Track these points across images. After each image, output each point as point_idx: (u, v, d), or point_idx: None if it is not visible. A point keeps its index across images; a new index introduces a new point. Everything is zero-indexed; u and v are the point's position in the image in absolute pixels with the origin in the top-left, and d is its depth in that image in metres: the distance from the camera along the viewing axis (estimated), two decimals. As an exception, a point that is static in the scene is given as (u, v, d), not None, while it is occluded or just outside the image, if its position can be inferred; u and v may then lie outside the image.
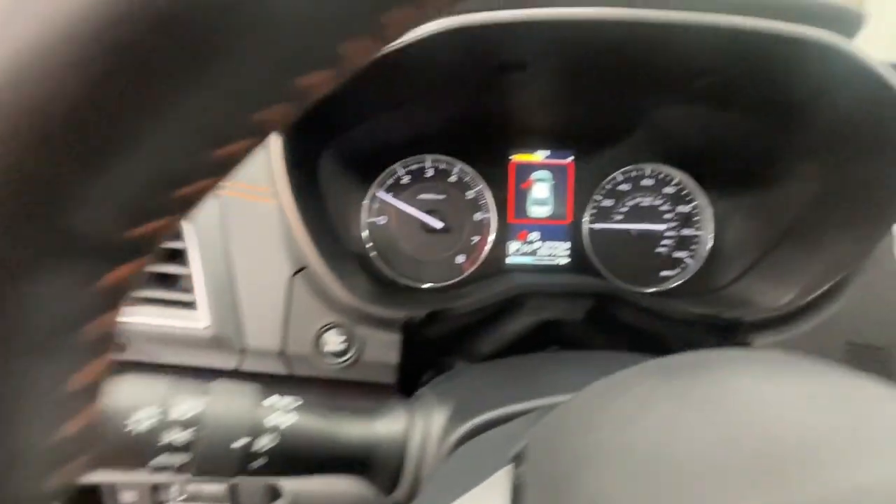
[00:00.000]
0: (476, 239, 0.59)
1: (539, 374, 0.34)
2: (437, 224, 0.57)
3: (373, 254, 0.58)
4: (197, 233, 0.46)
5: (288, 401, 0.26)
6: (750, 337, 0.46)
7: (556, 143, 0.60)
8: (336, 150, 0.51)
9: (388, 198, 0.58)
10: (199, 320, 0.43)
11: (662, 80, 0.44)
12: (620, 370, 0.20)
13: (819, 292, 0.43)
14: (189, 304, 0.44)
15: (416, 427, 0.27)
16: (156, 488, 0.49)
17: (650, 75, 0.43)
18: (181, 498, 0.48)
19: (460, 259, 0.59)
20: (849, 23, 0.35)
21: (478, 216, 0.59)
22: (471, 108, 0.53)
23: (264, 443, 0.23)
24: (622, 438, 0.16)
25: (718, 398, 0.16)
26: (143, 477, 0.46)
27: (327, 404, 0.27)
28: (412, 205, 0.58)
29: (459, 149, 0.58)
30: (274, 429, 0.24)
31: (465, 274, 0.59)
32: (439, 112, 0.53)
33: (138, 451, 0.21)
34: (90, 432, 0.11)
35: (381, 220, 0.58)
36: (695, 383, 0.17)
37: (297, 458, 0.24)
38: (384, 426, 0.27)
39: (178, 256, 0.46)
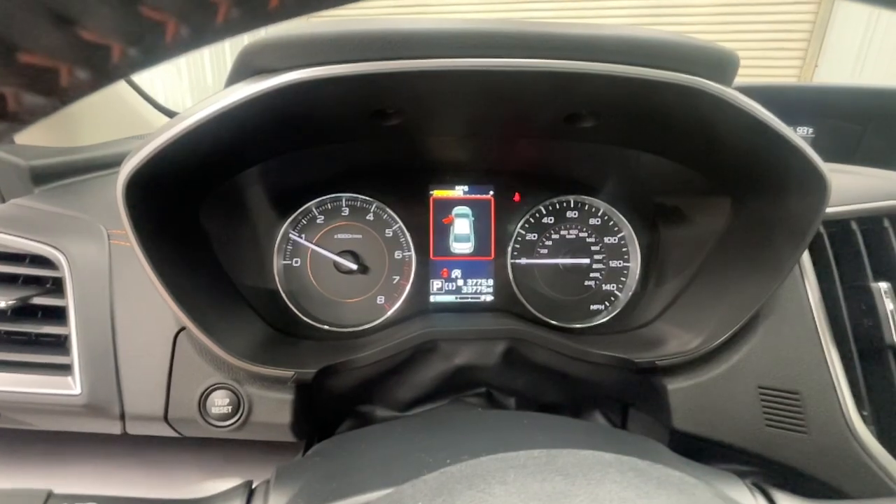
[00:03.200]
0: (396, 278, 0.57)
1: (412, 446, 0.32)
2: (352, 266, 0.55)
3: (284, 297, 0.55)
4: (81, 287, 0.43)
5: None
6: (664, 380, 0.45)
7: (475, 178, 0.58)
8: (232, 195, 0.48)
9: (300, 239, 0.55)
10: (71, 388, 0.40)
11: (550, 118, 0.43)
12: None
13: (726, 336, 0.42)
14: (64, 368, 0.41)
15: None
16: None
17: (538, 114, 0.42)
18: None
19: (380, 300, 0.57)
20: (721, 68, 0.34)
21: (398, 254, 0.57)
22: (379, 148, 0.51)
23: None
24: None
25: None
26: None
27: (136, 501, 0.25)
28: (327, 245, 0.56)
29: (376, 186, 0.56)
30: None
31: (388, 314, 0.57)
32: (348, 154, 0.51)
33: None
34: None
35: (295, 262, 0.56)
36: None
37: None
38: None
39: (54, 315, 0.43)
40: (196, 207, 0.45)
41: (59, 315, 0.43)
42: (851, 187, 0.44)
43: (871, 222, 0.42)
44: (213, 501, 0.26)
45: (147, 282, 0.41)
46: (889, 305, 0.39)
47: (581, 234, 0.59)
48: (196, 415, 0.41)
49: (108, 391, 0.41)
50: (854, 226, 0.42)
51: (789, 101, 0.99)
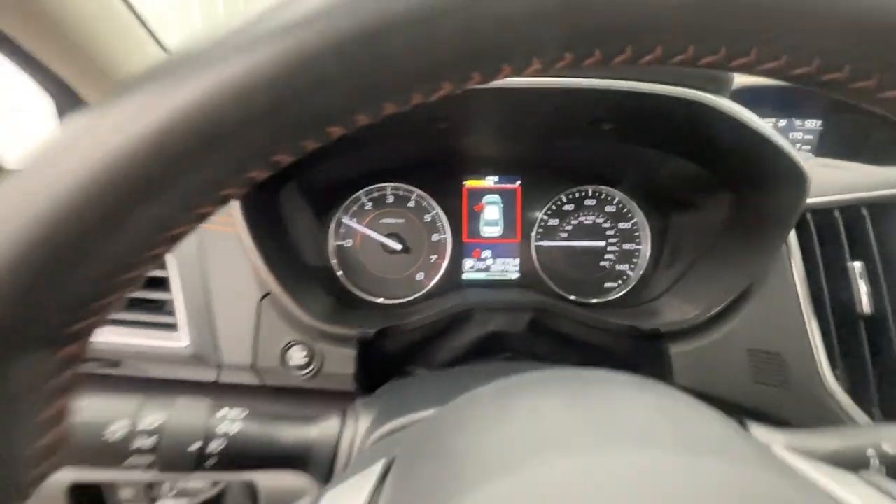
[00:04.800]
0: (434, 258, 0.66)
1: (460, 384, 0.40)
2: (397, 246, 0.64)
3: (339, 273, 0.64)
4: (178, 262, 0.52)
5: (236, 412, 0.32)
6: (668, 345, 0.52)
7: (504, 169, 0.66)
8: (297, 185, 0.57)
9: (353, 223, 0.64)
10: (180, 341, 0.50)
11: (576, 124, 0.50)
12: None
13: (721, 307, 0.49)
14: (171, 327, 0.51)
15: (347, 430, 0.33)
16: (151, 486, 0.56)
17: (565, 121, 0.50)
18: (172, 494, 0.55)
19: (420, 276, 0.65)
20: (719, 82, 0.41)
21: (435, 237, 0.66)
22: (422, 145, 0.59)
23: (215, 446, 0.29)
24: (455, 436, 0.22)
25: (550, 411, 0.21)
26: (134, 476, 0.53)
27: (273, 413, 0.33)
28: (375, 229, 0.64)
29: (417, 177, 0.65)
30: (223, 434, 0.30)
31: (426, 290, 0.65)
32: (394, 150, 0.59)
33: (112, 455, 0.27)
34: (61, 443, 0.17)
35: (347, 243, 0.65)
36: (530, 399, 0.23)
37: (242, 457, 0.30)
38: (319, 430, 0.33)
39: (161, 284, 0.53)
40: (278, 193, 0.54)
41: (163, 285, 0.52)
42: (836, 181, 0.50)
43: (851, 211, 0.48)
44: (317, 420, 0.35)
45: (231, 258, 0.50)
46: (861, 282, 0.46)
47: (598, 220, 0.66)
48: (278, 365, 0.50)
49: (208, 345, 0.50)
50: (836, 214, 0.49)
51: (799, 95, 1.03)
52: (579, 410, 0.21)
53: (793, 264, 0.49)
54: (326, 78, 0.13)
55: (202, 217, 0.15)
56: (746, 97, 0.46)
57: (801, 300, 0.48)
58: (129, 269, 0.15)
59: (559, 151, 0.62)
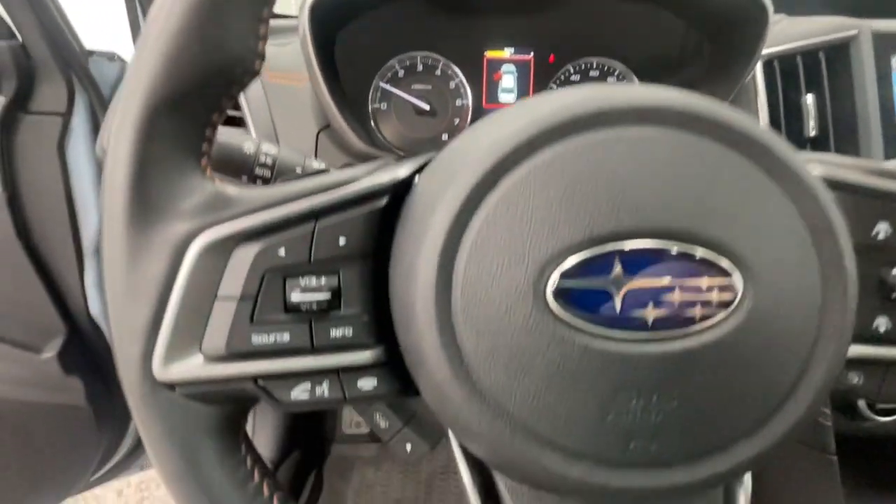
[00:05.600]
0: (457, 121, 0.76)
1: None
2: (426, 106, 0.74)
3: (378, 133, 0.76)
4: (249, 106, 0.64)
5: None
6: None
7: (520, 42, 0.75)
8: (343, 44, 0.67)
9: (388, 87, 0.75)
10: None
11: None
12: None
13: None
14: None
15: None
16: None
17: None
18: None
19: (445, 137, 0.77)
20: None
21: (458, 102, 0.76)
22: (450, 17, 0.69)
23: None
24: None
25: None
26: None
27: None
28: (407, 93, 0.75)
29: (444, 48, 0.74)
30: (318, 168, 0.42)
31: (449, 149, 0.77)
32: (424, 21, 0.69)
33: (245, 162, 0.40)
34: None
35: (383, 106, 0.75)
36: None
37: None
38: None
39: (238, 122, 0.64)
40: (332, 48, 0.65)
41: (241, 124, 0.64)
42: (802, 31, 0.59)
43: (810, 55, 0.58)
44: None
45: (292, 103, 0.62)
46: (811, 110, 0.56)
47: (600, 90, 0.76)
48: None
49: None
50: (798, 59, 0.59)
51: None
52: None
53: (758, 102, 0.59)
54: None
55: None
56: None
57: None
58: None
59: (568, 25, 0.71)
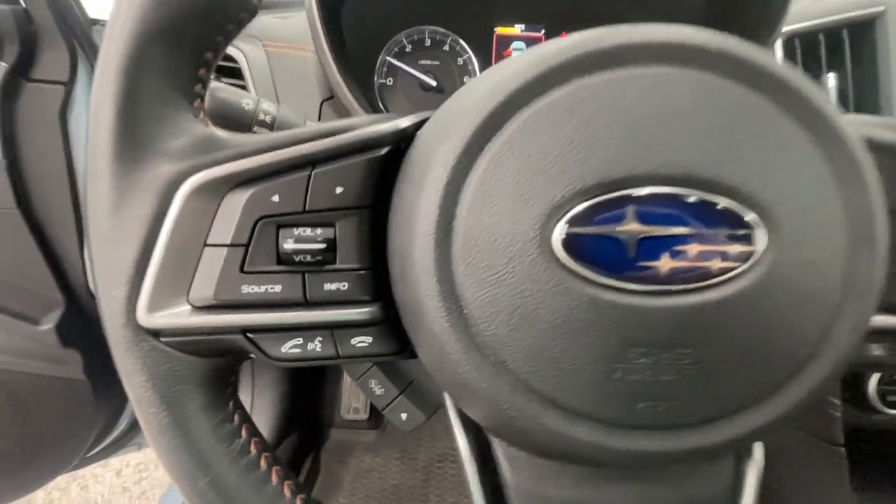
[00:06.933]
0: (464, 99, 0.75)
1: None
2: (432, 82, 0.73)
3: (381, 107, 0.74)
4: (252, 74, 0.62)
5: None
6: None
7: (531, 19, 0.73)
8: (350, 16, 0.66)
9: (395, 61, 0.73)
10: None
11: None
12: None
13: None
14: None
15: None
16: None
17: None
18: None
19: (452, 115, 0.75)
20: None
21: (466, 79, 0.74)
22: None
23: None
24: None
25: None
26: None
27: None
28: (413, 68, 0.73)
29: (453, 22, 0.73)
30: None
31: (456, 128, 0.75)
32: None
33: (243, 118, 0.38)
34: None
35: (389, 81, 0.74)
36: None
37: None
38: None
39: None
40: (338, 19, 0.63)
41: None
42: (826, 7, 0.57)
43: (833, 32, 0.56)
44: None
45: (295, 73, 0.60)
46: (831, 87, 0.54)
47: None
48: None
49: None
50: (820, 36, 0.56)
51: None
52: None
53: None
54: None
55: None
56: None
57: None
58: None
59: (581, 2, 0.69)
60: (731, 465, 0.26)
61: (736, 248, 0.20)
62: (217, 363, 0.25)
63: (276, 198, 0.24)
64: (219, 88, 0.38)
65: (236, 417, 0.26)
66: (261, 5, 0.26)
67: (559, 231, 0.20)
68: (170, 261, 0.23)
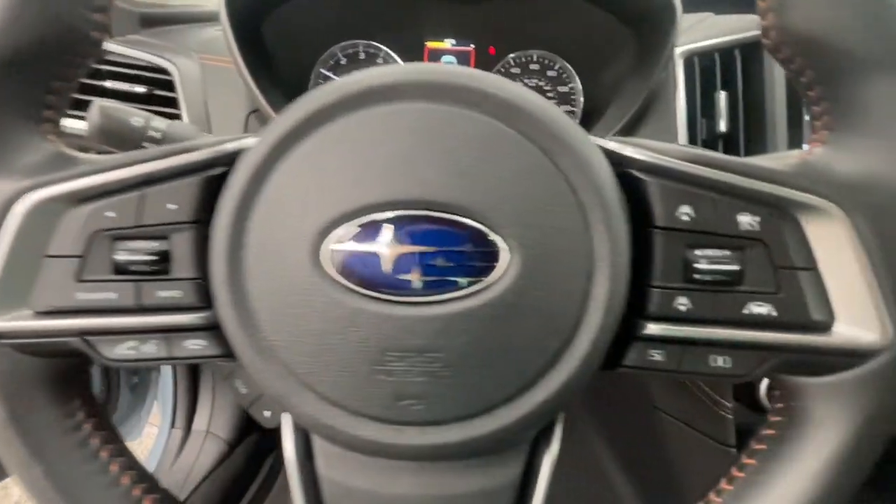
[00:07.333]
0: (398, 109, 0.77)
1: None
2: (367, 95, 0.76)
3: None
4: (184, 87, 0.65)
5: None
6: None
7: (461, 33, 0.76)
8: (279, 28, 0.68)
9: (329, 74, 0.76)
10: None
11: None
12: None
13: (623, 122, 0.60)
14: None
15: None
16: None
17: None
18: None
19: (386, 125, 0.78)
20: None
21: (399, 91, 0.77)
22: (390, 6, 0.70)
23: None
24: None
25: None
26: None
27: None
28: (348, 80, 0.76)
29: (385, 37, 0.75)
30: None
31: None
32: (364, 8, 0.70)
33: (132, 135, 0.41)
34: None
35: (325, 92, 0.77)
36: None
37: None
38: None
39: (172, 103, 0.66)
40: (258, 28, 0.66)
41: (174, 104, 0.65)
42: (723, 28, 0.60)
43: (726, 52, 0.59)
44: None
45: (225, 86, 0.63)
46: (723, 107, 0.57)
47: (539, 83, 0.77)
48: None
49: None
50: (716, 56, 0.59)
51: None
52: None
53: (677, 95, 0.60)
54: None
55: None
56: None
57: (679, 121, 0.60)
58: None
59: (509, 18, 0.72)
60: (525, 456, 0.28)
61: (482, 265, 0.23)
62: (61, 363, 0.28)
63: (111, 213, 0.27)
64: (110, 108, 0.40)
65: (81, 413, 0.29)
66: (104, 39, 0.28)
67: (327, 249, 0.23)
68: (10, 271, 0.26)
